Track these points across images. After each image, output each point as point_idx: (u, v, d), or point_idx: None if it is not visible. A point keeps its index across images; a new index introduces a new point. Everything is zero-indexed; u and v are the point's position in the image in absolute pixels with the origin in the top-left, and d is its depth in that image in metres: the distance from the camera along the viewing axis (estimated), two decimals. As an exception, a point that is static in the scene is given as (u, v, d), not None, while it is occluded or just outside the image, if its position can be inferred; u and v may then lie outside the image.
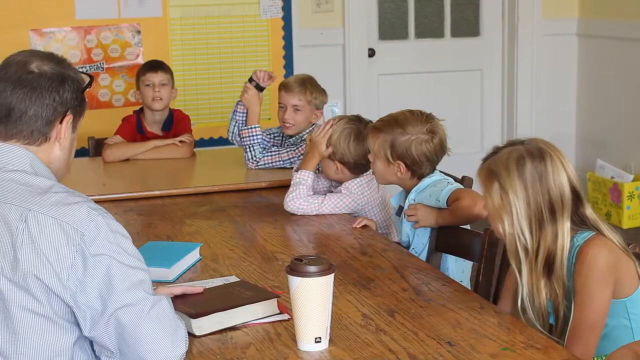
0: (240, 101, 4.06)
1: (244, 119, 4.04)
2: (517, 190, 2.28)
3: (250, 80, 4.03)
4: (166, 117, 4.56)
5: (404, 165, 3.06)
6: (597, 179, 5.73)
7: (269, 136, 4.07)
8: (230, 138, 4.12)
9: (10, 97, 1.95)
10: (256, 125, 3.97)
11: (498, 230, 2.36)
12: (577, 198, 2.32)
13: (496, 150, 2.38)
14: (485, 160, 2.40)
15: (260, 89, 4.02)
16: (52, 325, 1.86)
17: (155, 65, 4.60)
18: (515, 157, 2.30)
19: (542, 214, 2.28)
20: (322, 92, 4.02)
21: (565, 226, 2.28)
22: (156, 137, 4.52)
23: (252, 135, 3.95)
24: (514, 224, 2.29)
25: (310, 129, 3.95)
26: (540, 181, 2.28)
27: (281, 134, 4.08)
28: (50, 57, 2.02)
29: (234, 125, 4.07)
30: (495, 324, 2.17)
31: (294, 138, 3.98)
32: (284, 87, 3.98)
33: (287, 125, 3.94)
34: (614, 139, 5.98)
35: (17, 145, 1.97)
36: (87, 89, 2.07)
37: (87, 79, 2.06)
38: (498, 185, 2.31)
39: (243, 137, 3.96)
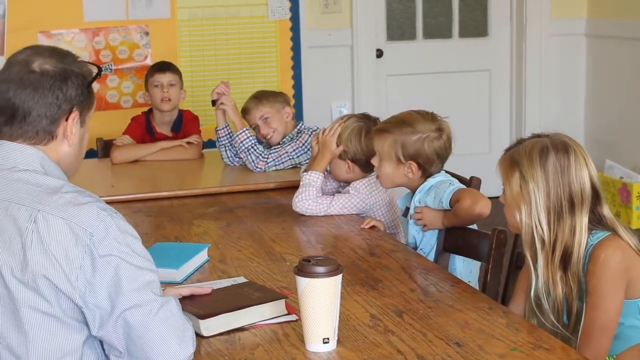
0: (217, 128, 4.13)
1: (229, 140, 4.11)
2: (538, 180, 2.29)
3: (214, 103, 4.11)
4: (175, 118, 4.58)
5: (415, 165, 3.06)
6: (606, 179, 5.71)
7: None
8: (229, 163, 4.14)
9: (13, 99, 1.95)
10: (246, 128, 4.01)
11: (514, 220, 2.36)
12: (596, 196, 2.32)
13: (520, 142, 2.39)
14: (508, 150, 2.40)
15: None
16: (61, 325, 1.86)
17: (164, 66, 4.61)
18: (539, 148, 2.31)
19: (562, 207, 2.28)
20: (277, 93, 4.19)
21: (583, 221, 2.28)
22: (165, 137, 4.53)
23: (248, 137, 3.97)
24: (532, 214, 2.30)
25: (301, 125, 4.03)
26: (562, 174, 2.29)
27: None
28: (53, 52, 2.00)
29: (224, 150, 4.14)
30: (503, 325, 2.16)
31: (287, 137, 4.03)
32: (244, 112, 4.11)
33: (269, 136, 4.05)
34: (623, 139, 5.96)
35: (25, 145, 1.97)
36: (97, 78, 2.05)
37: (94, 71, 2.04)
38: (519, 174, 2.32)
39: (241, 142, 3.97)
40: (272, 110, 4.04)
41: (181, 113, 4.61)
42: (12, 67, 1.98)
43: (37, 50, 2.01)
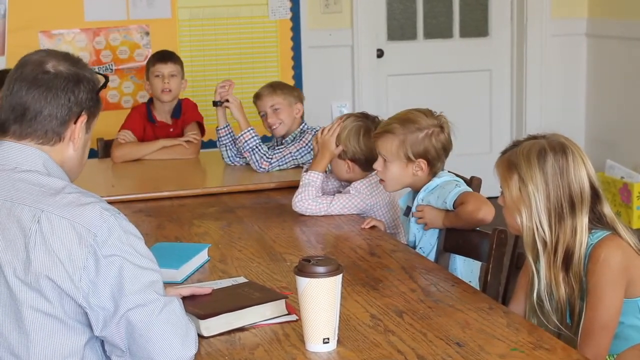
0: (218, 128, 4.13)
1: (230, 139, 4.11)
2: (538, 182, 2.28)
3: (215, 103, 4.10)
4: (175, 106, 4.59)
5: (425, 162, 3.05)
6: (606, 179, 5.71)
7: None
8: (230, 163, 4.15)
9: (25, 97, 1.96)
10: (251, 128, 4.00)
11: (514, 223, 2.36)
12: (595, 195, 2.32)
13: (516, 143, 2.38)
14: (504, 152, 2.40)
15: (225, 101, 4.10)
16: (62, 327, 1.86)
17: (166, 56, 4.61)
18: (537, 150, 2.30)
19: (562, 208, 2.28)
20: (293, 88, 4.21)
21: (583, 221, 2.28)
22: (165, 125, 4.54)
23: (253, 137, 3.97)
24: (533, 216, 2.29)
25: (304, 125, 4.04)
26: (561, 175, 2.28)
27: (276, 142, 4.11)
28: (66, 57, 2.02)
29: (225, 150, 4.14)
30: (504, 325, 2.16)
31: (290, 136, 4.02)
32: (256, 97, 4.12)
33: (274, 127, 4.05)
34: (624, 139, 5.96)
35: (31, 145, 1.97)
36: (104, 88, 2.07)
37: (102, 80, 2.07)
38: (517, 177, 2.31)
39: (246, 142, 3.97)
40: (284, 102, 4.04)
41: (180, 101, 4.62)
42: (26, 66, 1.99)
43: (50, 53, 2.03)
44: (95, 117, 2.06)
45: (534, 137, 2.37)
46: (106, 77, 2.10)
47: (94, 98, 2.02)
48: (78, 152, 2.04)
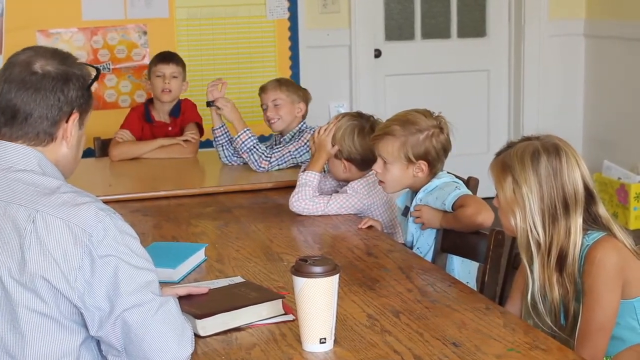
0: (213, 128, 4.13)
1: (227, 139, 4.11)
2: (532, 184, 2.28)
3: (209, 104, 4.09)
4: (174, 106, 4.59)
5: (426, 164, 3.05)
6: (603, 179, 5.71)
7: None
8: (227, 162, 4.14)
9: (14, 99, 1.94)
10: (247, 129, 4.00)
11: (508, 224, 2.36)
12: (590, 196, 2.32)
13: (510, 145, 2.39)
14: (499, 154, 2.40)
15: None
16: (58, 327, 1.86)
17: (167, 57, 4.62)
18: (531, 151, 2.31)
19: (556, 209, 2.28)
20: (299, 87, 4.20)
21: (577, 222, 2.29)
22: (164, 125, 4.55)
23: (250, 137, 3.97)
24: (527, 218, 2.30)
25: (303, 124, 4.05)
26: (555, 176, 2.29)
27: (274, 141, 4.10)
28: (54, 54, 2.00)
29: (222, 149, 4.14)
30: (500, 325, 2.16)
31: (288, 135, 4.03)
32: (261, 90, 4.13)
33: (273, 121, 4.05)
34: (621, 139, 5.97)
35: (23, 145, 1.97)
36: (95, 82, 2.06)
37: (93, 73, 2.04)
38: (511, 179, 2.31)
39: (243, 143, 3.96)
40: (287, 99, 4.05)
41: (180, 101, 4.62)
42: (13, 67, 1.97)
43: (38, 51, 2.00)
44: (88, 112, 2.04)
45: (528, 139, 2.38)
46: (97, 69, 2.08)
47: (85, 94, 2.00)
48: (72, 149, 2.03)
